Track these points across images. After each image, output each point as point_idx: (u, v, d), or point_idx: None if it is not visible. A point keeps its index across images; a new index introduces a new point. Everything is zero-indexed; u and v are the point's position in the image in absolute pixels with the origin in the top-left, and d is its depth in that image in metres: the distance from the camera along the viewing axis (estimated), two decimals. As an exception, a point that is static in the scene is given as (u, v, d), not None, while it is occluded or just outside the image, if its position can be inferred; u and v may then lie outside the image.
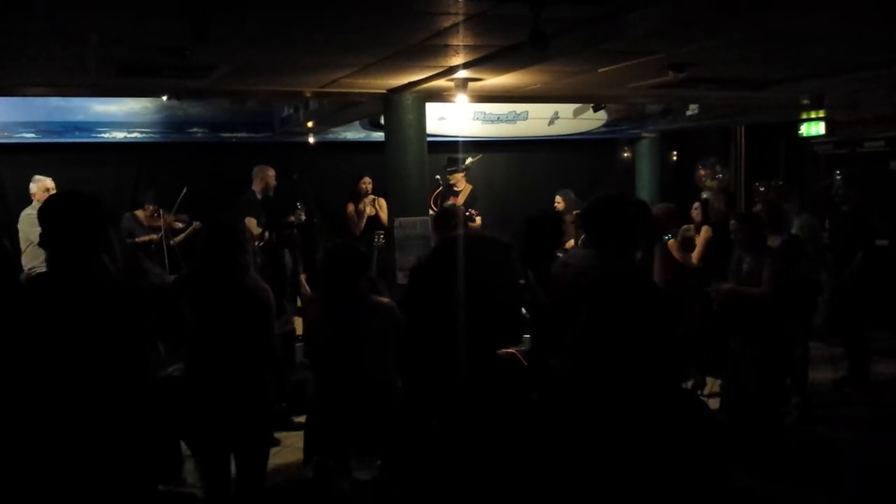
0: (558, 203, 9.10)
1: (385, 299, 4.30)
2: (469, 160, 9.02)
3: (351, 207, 9.08)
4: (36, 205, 7.47)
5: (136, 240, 8.10)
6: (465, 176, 8.88)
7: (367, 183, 9.03)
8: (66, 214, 2.73)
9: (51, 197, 3.00)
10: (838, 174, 8.19)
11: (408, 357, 2.80)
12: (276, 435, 5.43)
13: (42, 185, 7.58)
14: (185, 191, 8.16)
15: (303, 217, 8.30)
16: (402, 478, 2.82)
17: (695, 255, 6.68)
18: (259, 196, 8.10)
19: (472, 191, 8.77)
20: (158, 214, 8.17)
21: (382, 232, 8.55)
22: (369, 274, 4.37)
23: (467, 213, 8.25)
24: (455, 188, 8.74)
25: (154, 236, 8.05)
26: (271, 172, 8.14)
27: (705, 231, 6.82)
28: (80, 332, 2.57)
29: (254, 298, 3.95)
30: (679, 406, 2.36)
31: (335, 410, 4.20)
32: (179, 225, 8.39)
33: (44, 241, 2.77)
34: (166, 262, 7.87)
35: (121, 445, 2.60)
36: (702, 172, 10.12)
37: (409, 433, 2.62)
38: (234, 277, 3.93)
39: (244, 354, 3.90)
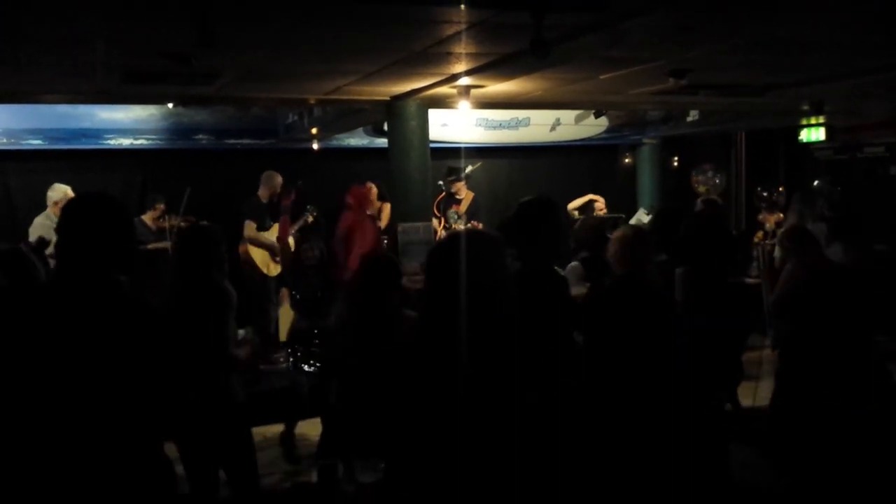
0: (602, 209, 9.16)
1: (412, 313, 4.28)
2: (469, 168, 9.04)
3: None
4: (50, 212, 7.50)
5: (147, 247, 8.15)
6: (467, 184, 8.91)
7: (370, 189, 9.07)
8: (96, 219, 2.52)
9: (78, 198, 2.73)
10: (817, 182, 8.13)
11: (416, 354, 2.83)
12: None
13: (63, 193, 7.47)
14: (188, 192, 8.20)
15: (311, 219, 8.36)
16: (405, 479, 2.86)
17: None
18: (264, 201, 8.17)
19: (473, 198, 8.80)
20: (165, 217, 8.22)
21: (385, 237, 8.60)
22: (401, 286, 4.36)
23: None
24: (457, 196, 8.75)
25: (167, 244, 8.09)
26: (279, 179, 8.20)
27: None
28: (95, 351, 2.53)
29: (214, 299, 3.98)
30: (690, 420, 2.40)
31: (353, 416, 4.20)
32: (186, 227, 8.43)
33: (61, 248, 2.57)
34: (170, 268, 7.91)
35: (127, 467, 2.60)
36: (695, 179, 10.17)
37: (411, 431, 2.66)
38: (199, 280, 3.96)
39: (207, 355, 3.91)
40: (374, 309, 4.15)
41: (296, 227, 8.48)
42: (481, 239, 2.66)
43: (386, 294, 4.16)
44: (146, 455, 2.63)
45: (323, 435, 4.48)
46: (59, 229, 2.58)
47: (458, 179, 8.73)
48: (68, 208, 2.63)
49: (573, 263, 6.01)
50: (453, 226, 8.36)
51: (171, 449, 4.13)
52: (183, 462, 4.00)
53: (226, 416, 3.99)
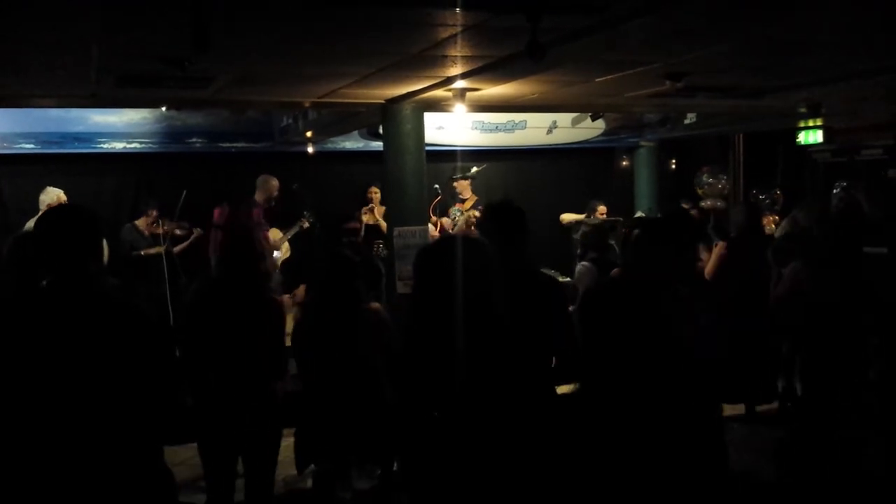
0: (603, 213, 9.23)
1: (375, 305, 4.38)
2: (475, 169, 9.13)
3: (368, 216, 9.09)
4: None
5: (142, 252, 8.10)
6: (472, 185, 9.01)
7: (374, 192, 9.06)
8: (60, 230, 2.66)
9: (45, 212, 2.88)
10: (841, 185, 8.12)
11: (408, 353, 2.82)
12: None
13: (56, 196, 7.46)
14: (184, 194, 8.19)
15: (306, 225, 8.37)
16: (401, 480, 2.83)
17: (707, 270, 6.44)
18: (258, 206, 8.17)
19: (477, 201, 8.90)
20: (159, 223, 8.19)
21: (382, 241, 8.59)
22: (358, 281, 4.44)
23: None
24: (461, 196, 8.91)
25: (160, 248, 8.05)
26: (275, 183, 8.21)
27: (720, 247, 6.51)
28: (83, 349, 2.54)
29: (270, 311, 4.06)
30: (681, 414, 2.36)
31: (327, 417, 4.24)
32: (180, 232, 8.41)
33: (41, 255, 2.72)
34: (166, 271, 7.88)
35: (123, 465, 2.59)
36: (695, 184, 10.20)
37: (409, 427, 2.63)
38: (253, 287, 4.03)
39: (259, 362, 3.98)
40: (335, 309, 4.23)
41: (290, 233, 8.48)
42: (469, 243, 2.65)
43: (346, 292, 4.24)
44: (143, 462, 2.64)
45: (297, 440, 4.48)
46: (37, 243, 2.72)
47: (464, 177, 8.86)
48: (39, 224, 2.73)
49: (585, 264, 6.06)
50: (456, 218, 8.43)
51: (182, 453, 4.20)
52: (202, 458, 4.00)
53: (264, 418, 4.04)
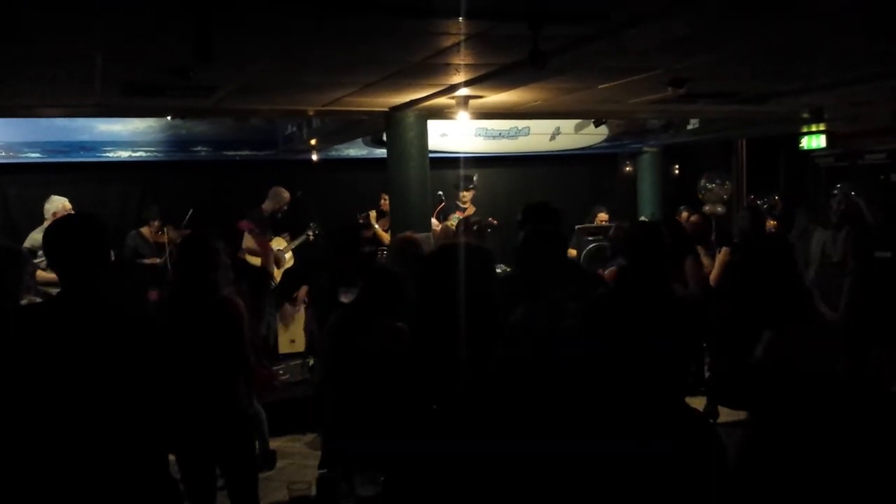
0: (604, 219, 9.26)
1: (399, 324, 4.36)
2: (475, 177, 9.16)
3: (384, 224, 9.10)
4: (47, 225, 7.46)
5: (144, 261, 8.13)
6: (473, 195, 9.05)
7: (385, 199, 9.09)
8: (69, 239, 2.68)
9: (54, 222, 2.89)
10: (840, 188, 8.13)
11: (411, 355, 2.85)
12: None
13: (61, 205, 7.45)
14: (190, 213, 8.23)
15: (311, 236, 8.40)
16: (404, 489, 2.84)
17: (712, 277, 6.51)
18: (265, 215, 8.24)
19: (475, 213, 8.90)
20: (163, 231, 8.22)
21: (385, 248, 8.60)
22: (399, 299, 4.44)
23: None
24: (461, 204, 8.91)
25: (156, 260, 8.07)
26: (286, 196, 8.28)
27: (724, 252, 6.57)
28: (92, 359, 2.56)
29: (223, 312, 4.05)
30: (681, 420, 2.37)
31: (346, 426, 4.24)
32: None
33: (50, 265, 2.74)
34: (169, 279, 7.90)
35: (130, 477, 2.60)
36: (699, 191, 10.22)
37: (410, 422, 2.66)
38: (204, 293, 4.04)
39: (218, 366, 3.99)
40: (358, 320, 4.23)
41: (295, 243, 8.52)
42: (472, 250, 2.68)
43: (377, 305, 4.23)
44: (151, 471, 2.65)
45: (323, 447, 4.50)
46: (46, 253, 2.72)
47: (467, 189, 8.90)
48: (48, 233, 2.74)
49: (612, 270, 6.05)
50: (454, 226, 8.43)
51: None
52: (180, 469, 4.02)
53: (231, 424, 4.06)
